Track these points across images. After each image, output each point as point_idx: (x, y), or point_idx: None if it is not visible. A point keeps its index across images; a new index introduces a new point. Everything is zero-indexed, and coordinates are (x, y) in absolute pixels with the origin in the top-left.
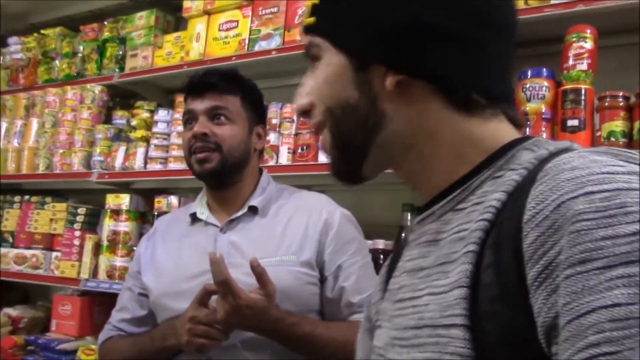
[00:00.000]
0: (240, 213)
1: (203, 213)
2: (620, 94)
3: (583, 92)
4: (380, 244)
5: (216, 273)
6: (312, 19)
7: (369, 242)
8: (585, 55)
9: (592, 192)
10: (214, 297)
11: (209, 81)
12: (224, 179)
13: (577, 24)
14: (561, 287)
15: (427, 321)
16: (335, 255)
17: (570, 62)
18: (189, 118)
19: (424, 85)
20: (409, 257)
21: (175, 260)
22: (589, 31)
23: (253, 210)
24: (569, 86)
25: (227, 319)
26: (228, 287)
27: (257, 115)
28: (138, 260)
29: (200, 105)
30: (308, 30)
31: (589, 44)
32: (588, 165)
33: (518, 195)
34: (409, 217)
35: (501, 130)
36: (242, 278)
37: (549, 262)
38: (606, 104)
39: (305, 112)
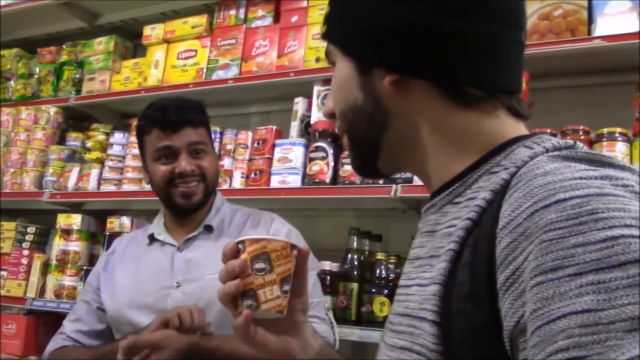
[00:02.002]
0: (196, 232)
1: (160, 234)
2: (548, 131)
3: None
4: (327, 265)
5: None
6: (324, 27)
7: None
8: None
9: (564, 200)
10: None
11: (187, 117)
12: (201, 207)
13: None
14: (531, 293)
15: (409, 310)
16: None
17: None
18: (166, 153)
19: (420, 83)
20: (414, 245)
21: (133, 278)
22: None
23: (208, 229)
24: None
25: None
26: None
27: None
28: (97, 277)
29: (179, 141)
30: (323, 37)
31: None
32: (561, 170)
33: (501, 196)
34: (355, 240)
35: (503, 126)
36: (198, 292)
37: (516, 267)
38: None
39: (332, 115)
